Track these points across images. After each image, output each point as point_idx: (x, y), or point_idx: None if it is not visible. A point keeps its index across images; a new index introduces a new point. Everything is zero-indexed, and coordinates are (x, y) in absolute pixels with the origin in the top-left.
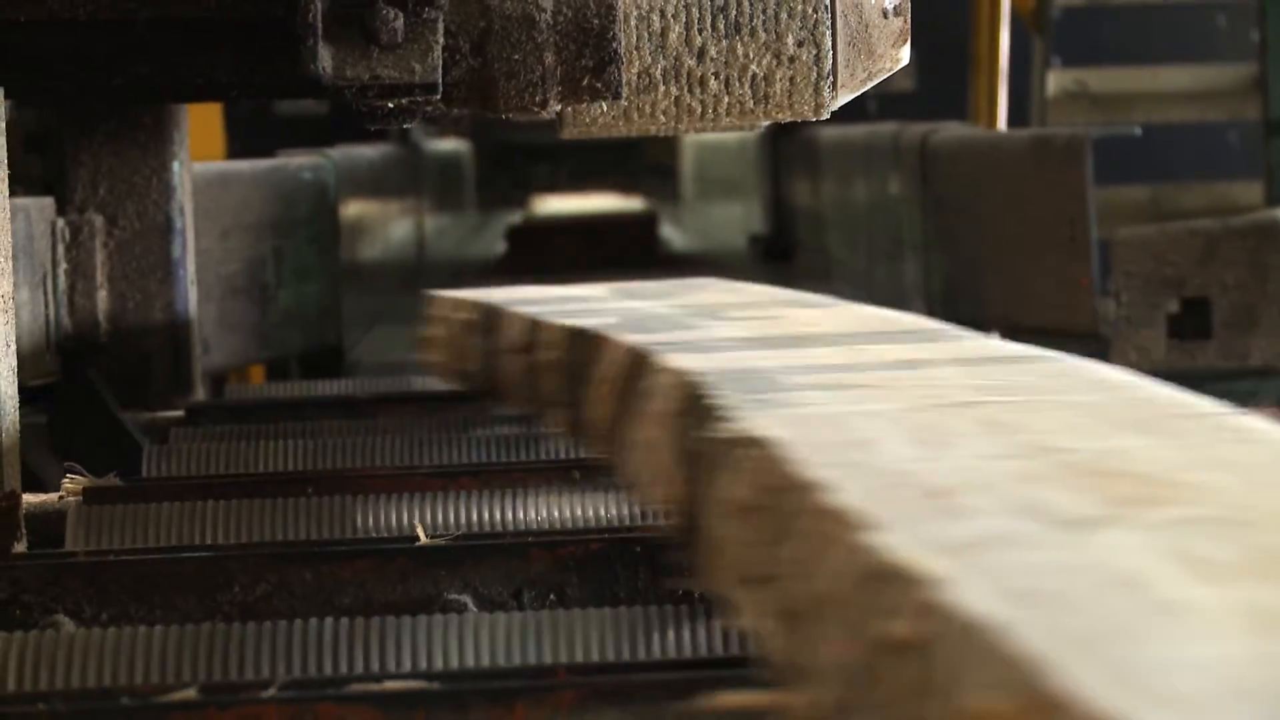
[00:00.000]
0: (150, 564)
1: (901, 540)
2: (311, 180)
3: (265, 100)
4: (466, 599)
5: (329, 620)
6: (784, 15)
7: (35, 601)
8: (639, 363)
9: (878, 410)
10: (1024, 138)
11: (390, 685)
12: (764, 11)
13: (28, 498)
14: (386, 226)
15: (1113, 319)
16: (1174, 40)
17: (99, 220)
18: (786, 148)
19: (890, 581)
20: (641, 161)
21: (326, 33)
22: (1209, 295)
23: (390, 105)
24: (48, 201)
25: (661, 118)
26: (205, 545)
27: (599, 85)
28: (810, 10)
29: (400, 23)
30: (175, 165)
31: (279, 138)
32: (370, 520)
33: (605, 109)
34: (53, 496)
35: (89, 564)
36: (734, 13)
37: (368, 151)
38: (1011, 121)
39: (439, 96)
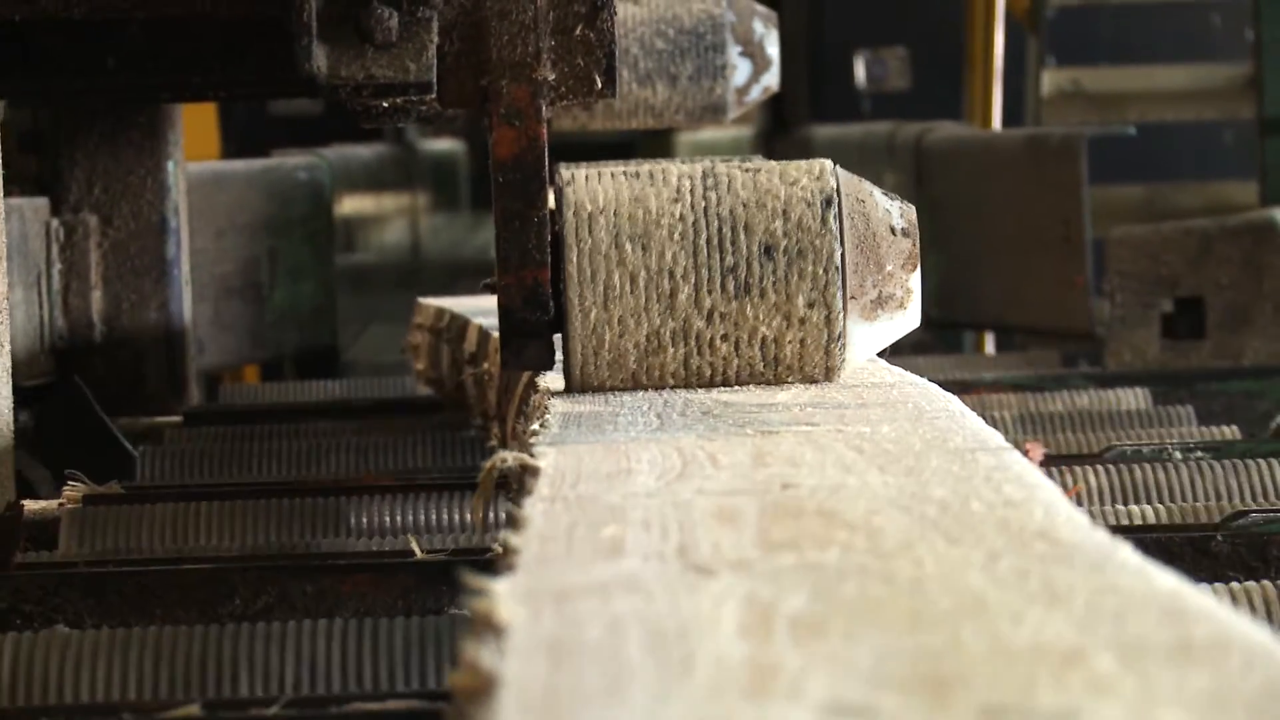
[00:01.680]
0: (151, 575)
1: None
2: (306, 180)
3: (260, 100)
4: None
5: (334, 637)
6: (794, 276)
7: (36, 611)
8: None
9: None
10: (1019, 137)
11: (392, 704)
12: (774, 273)
13: (27, 505)
14: (381, 226)
15: (1107, 319)
16: (1169, 39)
17: (94, 220)
18: (781, 147)
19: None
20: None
21: (321, 32)
22: (1203, 295)
23: (385, 104)
24: (42, 202)
25: (670, 380)
26: (207, 557)
27: (591, 35)
28: (820, 271)
29: (395, 22)
30: (170, 165)
31: (274, 137)
32: (365, 522)
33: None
34: (53, 504)
35: (90, 574)
36: (744, 273)
37: (362, 151)
38: (1006, 121)
39: (434, 95)
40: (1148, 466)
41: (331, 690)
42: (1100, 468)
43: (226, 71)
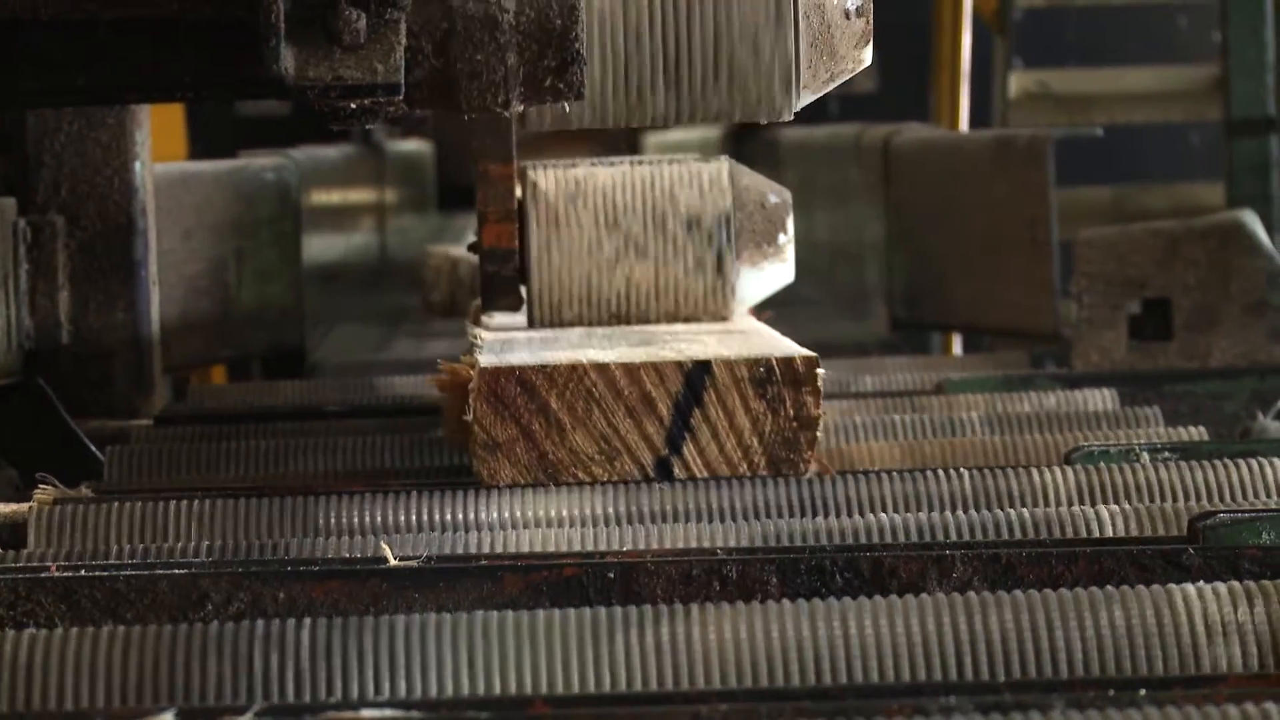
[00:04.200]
0: (123, 580)
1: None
2: (274, 180)
3: (227, 101)
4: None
5: (305, 643)
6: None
7: (7, 616)
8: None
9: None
10: (986, 139)
11: (366, 714)
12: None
13: None
14: (349, 227)
15: (1074, 320)
16: (1136, 41)
17: (61, 221)
18: (748, 148)
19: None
20: None
21: (289, 33)
22: (1170, 296)
23: (353, 106)
24: (9, 202)
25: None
26: (179, 563)
27: (561, 85)
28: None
29: (363, 23)
30: (137, 166)
31: (241, 138)
32: (335, 523)
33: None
34: (24, 507)
35: (62, 579)
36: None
37: (330, 152)
38: (973, 122)
39: (401, 97)
40: (1115, 467)
41: (302, 695)
42: (1068, 468)
43: (194, 72)
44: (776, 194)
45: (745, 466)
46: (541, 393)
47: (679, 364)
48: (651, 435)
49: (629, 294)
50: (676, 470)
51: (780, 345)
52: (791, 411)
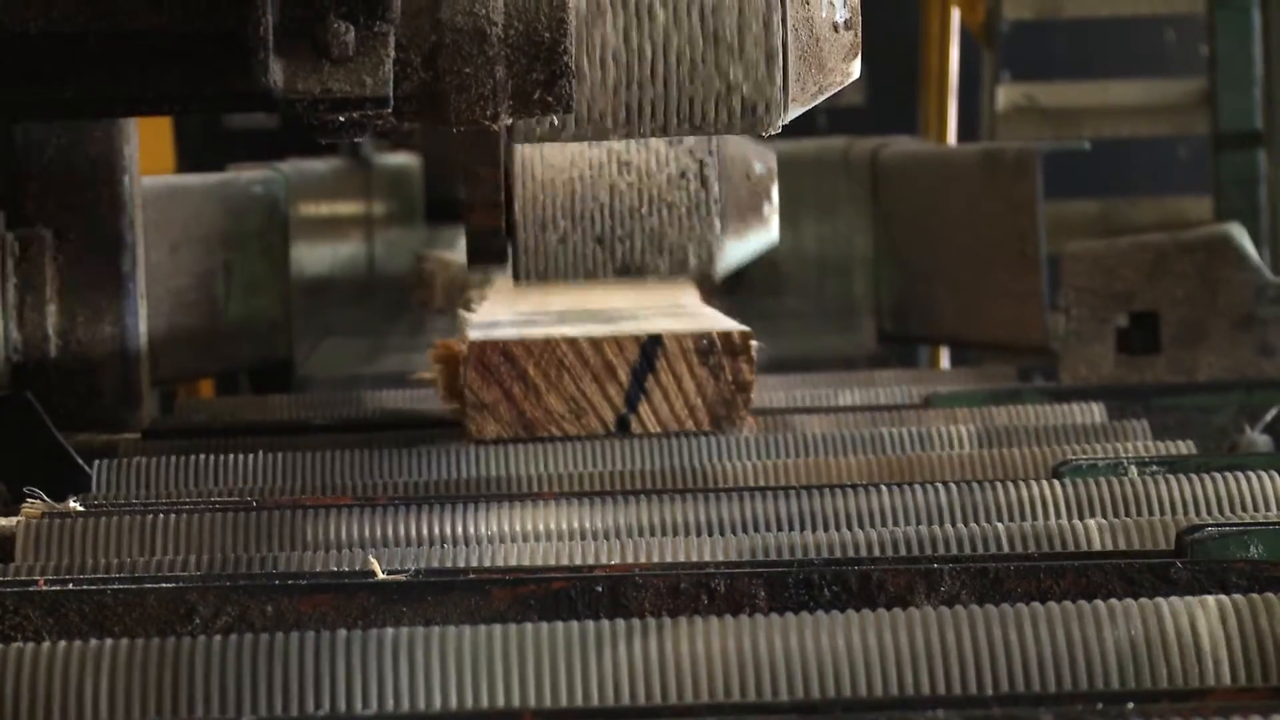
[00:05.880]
0: (111, 594)
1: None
2: (262, 194)
3: (215, 114)
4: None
5: (293, 656)
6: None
7: None
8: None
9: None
10: (974, 152)
11: None
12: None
13: None
14: (337, 240)
15: (1062, 334)
16: (1123, 55)
17: (49, 234)
18: None
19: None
20: None
21: (278, 46)
22: (1158, 310)
23: (341, 119)
24: None
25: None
26: (166, 576)
27: (550, 99)
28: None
29: (351, 36)
30: (125, 179)
31: (229, 151)
32: (324, 537)
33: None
34: (11, 520)
35: (49, 593)
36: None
37: (318, 165)
38: (961, 136)
39: (390, 110)
40: (1103, 481)
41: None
42: (1055, 482)
43: (182, 85)
44: (762, 162)
45: (691, 423)
46: (521, 361)
47: (635, 337)
48: (613, 396)
49: (602, 258)
50: (634, 426)
51: (721, 322)
52: (730, 377)
